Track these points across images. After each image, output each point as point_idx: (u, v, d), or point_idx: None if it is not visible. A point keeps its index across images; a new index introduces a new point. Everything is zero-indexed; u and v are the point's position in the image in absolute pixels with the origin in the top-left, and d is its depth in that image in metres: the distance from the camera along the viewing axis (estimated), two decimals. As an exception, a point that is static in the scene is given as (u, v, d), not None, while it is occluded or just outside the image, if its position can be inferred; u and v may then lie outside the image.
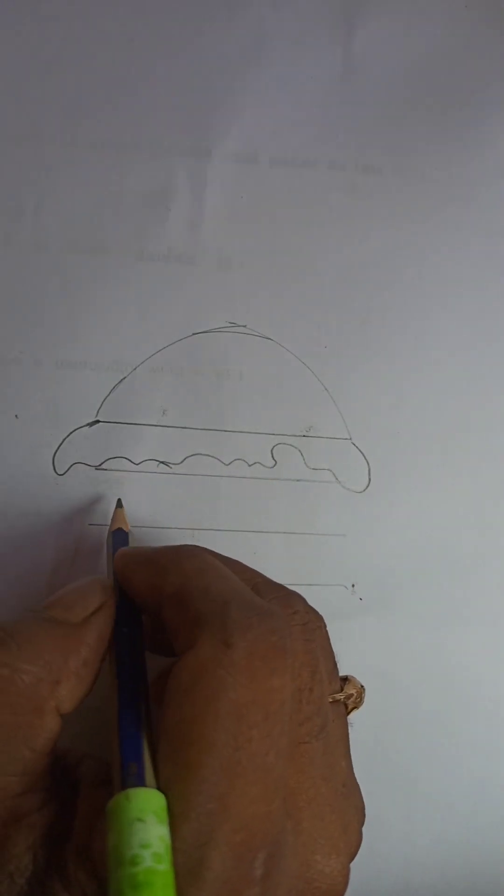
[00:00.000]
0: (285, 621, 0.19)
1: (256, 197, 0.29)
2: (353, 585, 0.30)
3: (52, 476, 0.28)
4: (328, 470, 0.29)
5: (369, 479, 0.30)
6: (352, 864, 0.20)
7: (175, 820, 0.17)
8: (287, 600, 0.21)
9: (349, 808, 0.20)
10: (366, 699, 0.30)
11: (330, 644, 0.22)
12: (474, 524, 0.30)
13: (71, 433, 0.28)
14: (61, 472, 0.28)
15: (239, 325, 0.29)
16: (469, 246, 0.30)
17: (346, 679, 0.22)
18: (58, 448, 0.28)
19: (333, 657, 0.22)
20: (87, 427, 0.28)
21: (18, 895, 0.18)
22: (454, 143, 0.30)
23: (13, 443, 0.28)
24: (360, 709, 0.30)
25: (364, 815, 0.21)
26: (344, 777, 0.21)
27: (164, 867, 0.16)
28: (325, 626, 0.21)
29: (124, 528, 0.26)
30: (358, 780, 0.22)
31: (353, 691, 0.21)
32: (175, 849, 0.16)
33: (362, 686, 0.22)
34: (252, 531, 0.29)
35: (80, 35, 0.28)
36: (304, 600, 0.21)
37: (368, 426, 0.30)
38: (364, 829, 0.24)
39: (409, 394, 0.30)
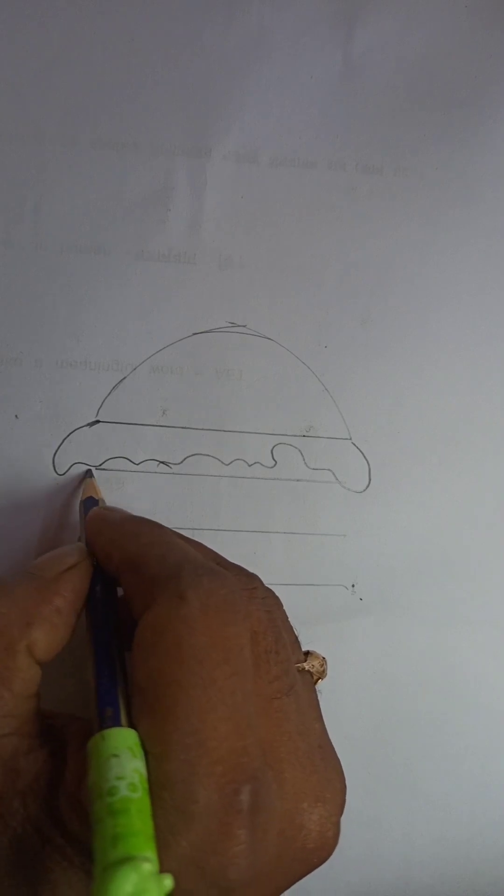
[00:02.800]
0: (233, 581, 0.21)
1: (256, 197, 0.29)
2: (353, 585, 0.30)
3: (52, 476, 0.28)
4: (328, 470, 0.29)
5: (369, 479, 0.30)
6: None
7: (157, 763, 0.18)
8: (247, 577, 0.23)
9: (329, 766, 0.21)
10: (366, 699, 0.30)
11: (289, 621, 0.23)
12: (474, 524, 0.30)
13: (71, 433, 0.28)
14: (61, 473, 0.28)
15: (239, 325, 0.29)
16: (469, 246, 0.30)
17: (308, 652, 0.23)
18: (58, 448, 0.28)
19: (294, 632, 0.23)
20: (87, 427, 0.28)
21: (13, 837, 0.19)
22: (454, 143, 0.30)
23: (13, 443, 0.28)
24: (360, 708, 0.30)
25: (344, 780, 0.22)
26: (319, 739, 0.22)
27: (139, 795, 0.17)
28: (282, 606, 0.23)
29: (95, 496, 0.26)
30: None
31: (316, 661, 0.23)
32: (161, 788, 0.17)
33: (324, 658, 0.23)
34: (252, 531, 0.29)
35: (80, 35, 0.28)
36: (261, 581, 0.23)
37: (368, 426, 0.30)
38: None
39: (409, 394, 0.30)
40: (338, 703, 0.29)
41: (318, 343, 0.30)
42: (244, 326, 0.29)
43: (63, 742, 0.21)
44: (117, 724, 0.19)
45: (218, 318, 0.29)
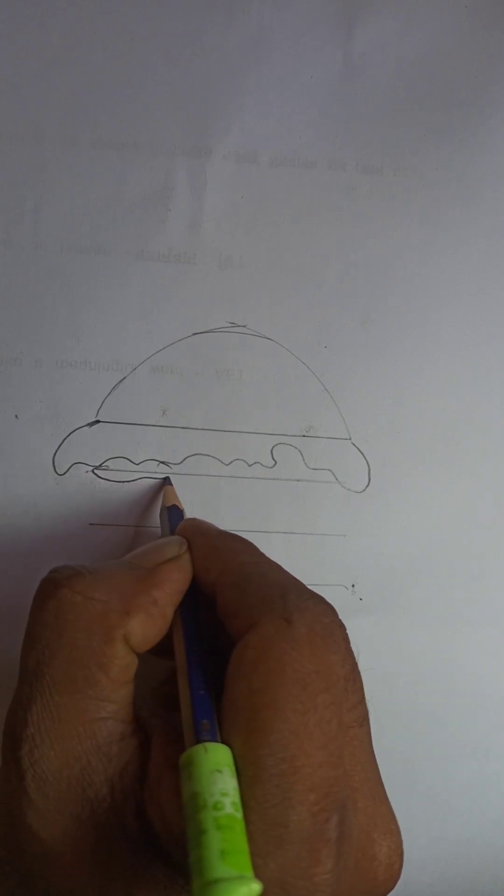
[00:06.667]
0: (333, 608, 0.21)
1: (256, 197, 0.29)
2: (353, 585, 0.30)
3: (52, 476, 0.28)
4: (328, 470, 0.30)
5: (369, 479, 0.30)
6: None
7: (249, 783, 0.18)
8: (329, 603, 0.22)
9: (387, 798, 0.21)
10: (366, 699, 0.30)
11: None
12: (474, 524, 0.30)
13: (71, 433, 0.28)
14: (61, 473, 0.28)
15: (239, 325, 0.29)
16: (469, 246, 0.30)
17: None
18: (58, 448, 0.28)
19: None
20: (87, 427, 0.28)
21: (98, 825, 0.19)
22: (454, 143, 0.30)
23: (13, 443, 0.28)
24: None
25: None
26: (378, 770, 0.22)
27: (240, 815, 0.17)
28: None
29: (179, 506, 0.27)
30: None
31: None
32: (251, 810, 0.17)
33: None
34: (252, 531, 0.29)
35: (80, 35, 0.28)
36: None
37: (368, 426, 0.30)
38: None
39: (409, 394, 0.30)
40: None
41: (318, 343, 0.30)
42: (244, 326, 0.29)
43: (147, 736, 0.21)
44: (214, 738, 0.19)
45: (218, 318, 0.29)
